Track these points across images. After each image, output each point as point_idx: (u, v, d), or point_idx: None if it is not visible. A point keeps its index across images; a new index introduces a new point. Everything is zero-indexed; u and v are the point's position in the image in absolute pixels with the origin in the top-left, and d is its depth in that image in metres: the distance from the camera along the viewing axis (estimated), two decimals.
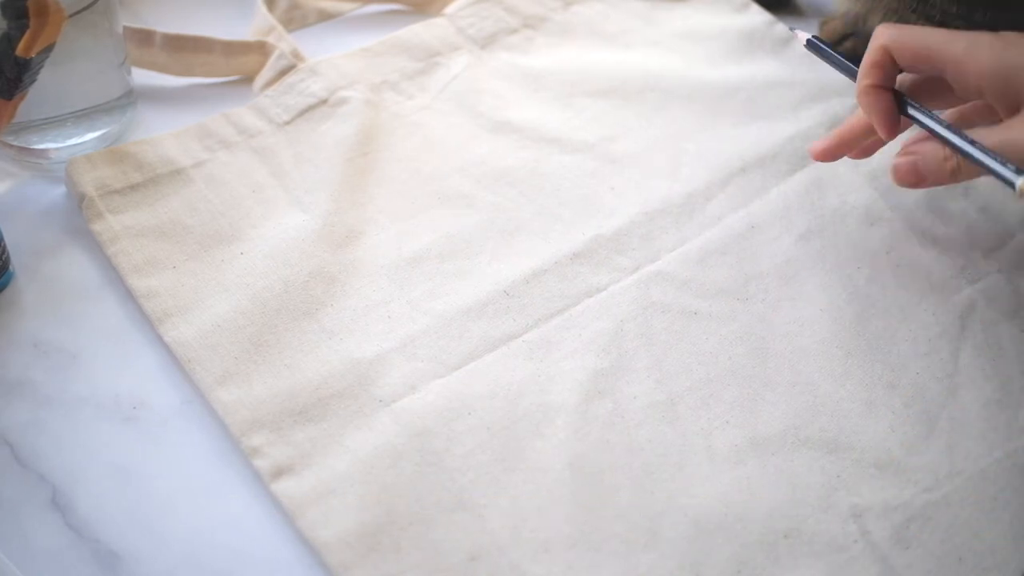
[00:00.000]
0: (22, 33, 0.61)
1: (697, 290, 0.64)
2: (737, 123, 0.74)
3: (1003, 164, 0.55)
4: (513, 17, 0.81)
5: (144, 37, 0.75)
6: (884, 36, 0.61)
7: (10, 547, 0.53)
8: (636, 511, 0.55)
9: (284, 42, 0.76)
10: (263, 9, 0.79)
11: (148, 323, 0.62)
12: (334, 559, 0.52)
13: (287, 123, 0.72)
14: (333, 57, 0.76)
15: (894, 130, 0.61)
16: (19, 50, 0.62)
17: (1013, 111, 0.58)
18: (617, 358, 0.61)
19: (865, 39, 0.78)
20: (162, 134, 0.70)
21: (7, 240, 0.64)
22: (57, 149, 0.70)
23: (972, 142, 0.57)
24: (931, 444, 0.58)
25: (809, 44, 0.67)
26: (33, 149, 0.70)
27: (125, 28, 0.72)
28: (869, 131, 0.63)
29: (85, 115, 0.70)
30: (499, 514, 0.54)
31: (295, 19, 0.82)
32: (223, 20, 0.81)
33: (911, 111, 0.61)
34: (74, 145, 0.70)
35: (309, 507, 0.54)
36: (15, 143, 0.70)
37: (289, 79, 0.74)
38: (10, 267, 0.64)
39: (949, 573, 0.54)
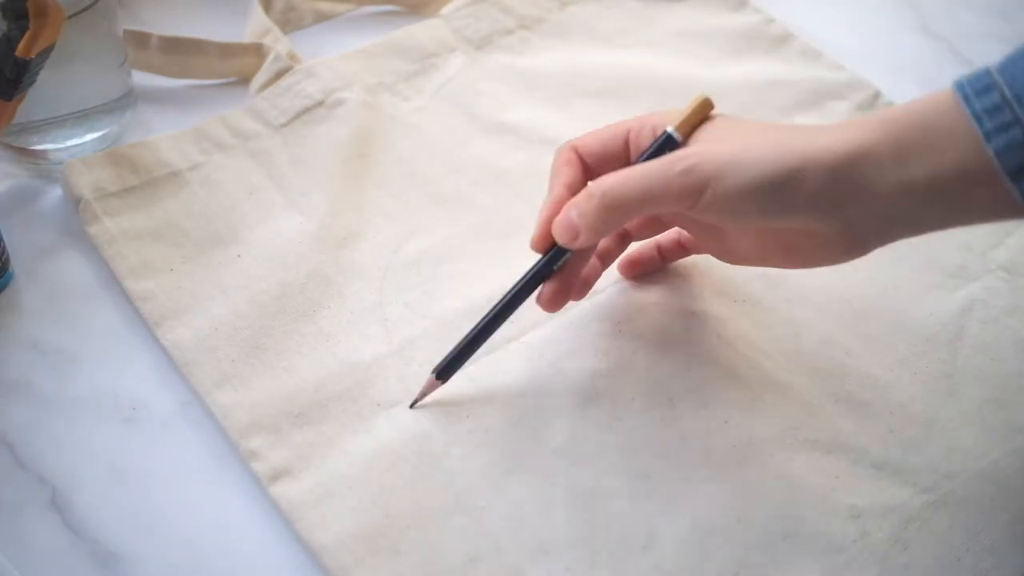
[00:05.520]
0: (22, 34, 0.62)
1: (694, 292, 0.64)
2: None
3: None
4: (509, 18, 0.81)
5: (141, 39, 0.75)
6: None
7: (9, 548, 0.54)
8: (634, 513, 0.55)
9: (280, 44, 0.76)
10: (259, 11, 0.79)
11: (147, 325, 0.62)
12: (332, 562, 0.52)
13: (283, 125, 0.72)
14: (329, 59, 0.76)
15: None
16: (19, 51, 0.62)
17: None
18: (615, 360, 0.61)
19: None
20: (158, 136, 0.70)
21: (7, 241, 0.64)
22: (57, 150, 0.70)
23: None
24: (929, 444, 0.58)
25: None
26: (33, 150, 0.70)
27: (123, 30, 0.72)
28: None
29: (85, 116, 0.70)
30: (497, 516, 0.54)
31: (291, 21, 0.82)
32: (222, 21, 0.80)
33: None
34: (74, 146, 0.70)
35: (307, 510, 0.54)
36: (15, 144, 0.70)
37: (285, 81, 0.74)
38: (10, 268, 0.64)
39: (947, 574, 0.54)
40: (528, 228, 0.67)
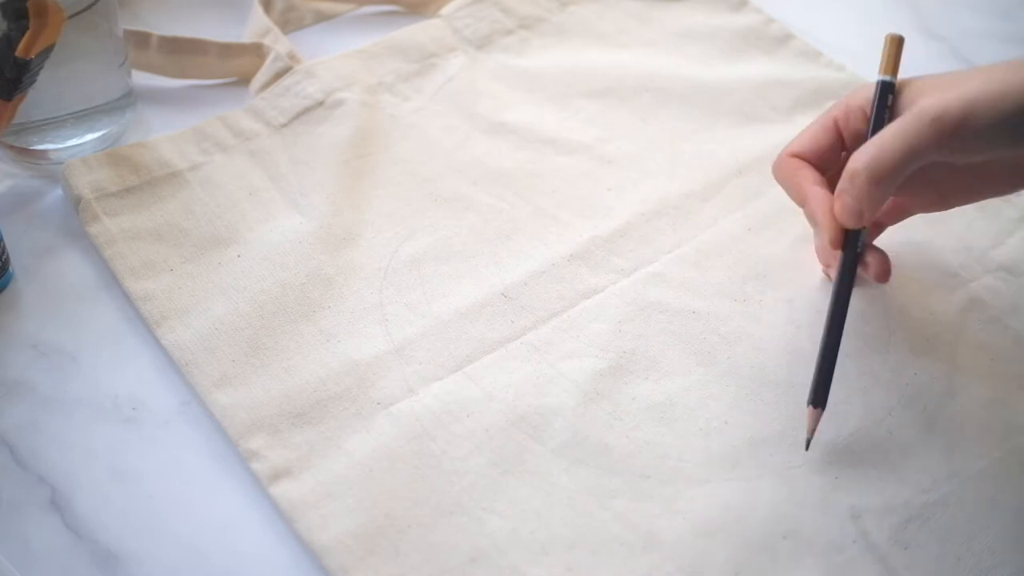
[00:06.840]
0: (22, 34, 0.62)
1: (695, 291, 0.64)
2: (734, 124, 0.74)
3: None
4: (509, 18, 0.81)
5: (141, 39, 0.75)
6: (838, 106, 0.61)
7: (9, 548, 0.53)
8: (634, 513, 0.55)
9: (280, 44, 0.76)
10: (259, 11, 0.79)
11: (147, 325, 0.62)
12: (332, 562, 0.52)
13: (283, 125, 0.72)
14: (329, 59, 0.76)
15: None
16: (19, 51, 0.62)
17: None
18: (615, 359, 0.61)
19: None
20: (158, 137, 0.70)
21: (7, 241, 0.64)
22: (57, 150, 0.70)
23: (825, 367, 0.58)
24: (929, 444, 0.58)
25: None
26: (33, 150, 0.70)
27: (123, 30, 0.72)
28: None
29: (85, 116, 0.70)
30: (497, 516, 0.54)
31: (291, 21, 0.82)
32: (222, 21, 0.80)
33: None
34: (74, 146, 0.70)
35: (307, 510, 0.54)
36: (15, 144, 0.70)
37: (285, 81, 0.74)
38: (10, 268, 0.64)
39: (947, 573, 0.54)
40: (527, 228, 0.67)
